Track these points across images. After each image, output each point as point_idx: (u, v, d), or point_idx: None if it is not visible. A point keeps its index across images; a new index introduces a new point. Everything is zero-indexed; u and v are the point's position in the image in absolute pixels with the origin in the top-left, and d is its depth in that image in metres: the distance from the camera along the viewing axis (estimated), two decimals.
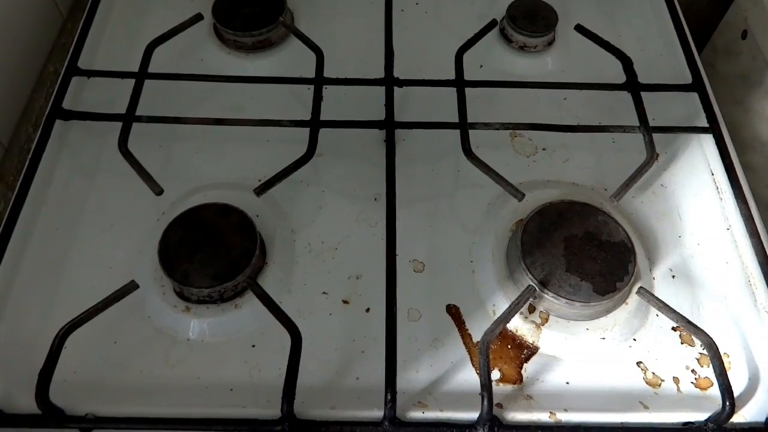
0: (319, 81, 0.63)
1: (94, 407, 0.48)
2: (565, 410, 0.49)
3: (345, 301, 0.54)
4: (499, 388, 0.50)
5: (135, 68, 0.63)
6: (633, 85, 0.64)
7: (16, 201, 0.56)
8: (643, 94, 0.63)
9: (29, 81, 0.72)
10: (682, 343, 0.53)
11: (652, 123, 0.61)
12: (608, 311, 0.53)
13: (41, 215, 0.57)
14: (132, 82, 0.62)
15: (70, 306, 0.50)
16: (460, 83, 0.63)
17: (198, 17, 0.67)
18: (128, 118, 0.59)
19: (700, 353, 0.53)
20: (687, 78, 0.68)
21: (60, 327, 0.47)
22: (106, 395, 0.49)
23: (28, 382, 0.46)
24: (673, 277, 0.57)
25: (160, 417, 0.47)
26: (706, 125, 0.64)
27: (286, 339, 0.48)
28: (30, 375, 0.46)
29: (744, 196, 0.60)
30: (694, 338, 0.53)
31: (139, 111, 0.60)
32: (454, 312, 0.54)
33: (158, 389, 0.50)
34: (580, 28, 0.68)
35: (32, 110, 0.71)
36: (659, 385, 0.51)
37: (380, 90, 0.64)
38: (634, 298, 0.54)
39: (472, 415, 0.48)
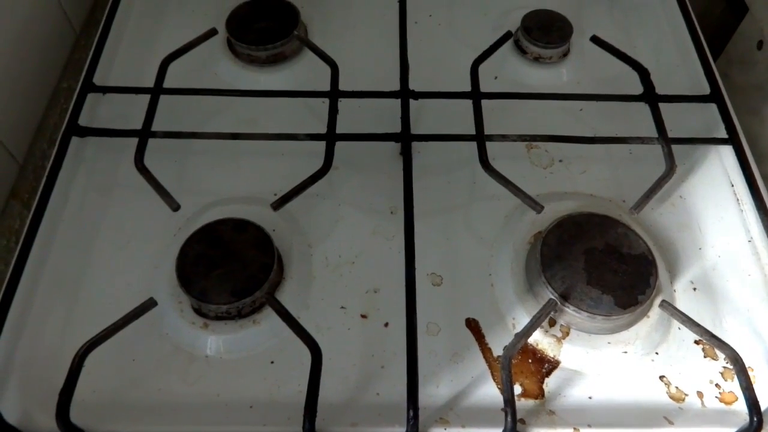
0: (334, 94, 0.63)
1: (113, 426, 0.47)
2: (589, 426, 0.49)
3: (363, 316, 0.54)
4: (521, 404, 0.50)
5: (150, 84, 0.63)
6: (651, 97, 0.63)
7: (33, 219, 0.56)
8: (660, 105, 0.63)
9: (43, 98, 0.72)
10: (705, 357, 0.53)
11: (669, 134, 0.61)
12: (630, 325, 0.53)
13: (58, 233, 0.57)
14: (147, 97, 0.62)
15: (88, 323, 0.50)
16: (476, 95, 0.63)
17: (212, 32, 0.67)
18: (144, 134, 0.60)
19: (724, 367, 0.52)
20: (704, 89, 0.68)
21: (78, 345, 0.47)
22: (126, 414, 0.49)
23: (47, 401, 0.46)
24: (695, 289, 0.56)
25: None
26: (726, 136, 0.64)
27: (305, 355, 0.48)
28: (49, 394, 0.46)
29: (766, 207, 0.59)
30: (718, 352, 0.52)
31: (155, 126, 0.60)
32: (473, 326, 0.54)
33: (177, 407, 0.49)
34: (596, 39, 0.67)
35: (46, 127, 0.71)
36: (683, 400, 0.51)
37: (396, 103, 0.64)
38: (655, 311, 0.53)
39: (495, 431, 0.47)
